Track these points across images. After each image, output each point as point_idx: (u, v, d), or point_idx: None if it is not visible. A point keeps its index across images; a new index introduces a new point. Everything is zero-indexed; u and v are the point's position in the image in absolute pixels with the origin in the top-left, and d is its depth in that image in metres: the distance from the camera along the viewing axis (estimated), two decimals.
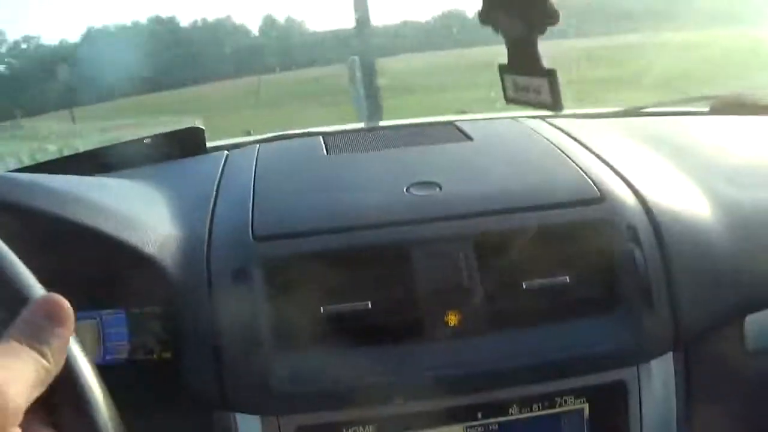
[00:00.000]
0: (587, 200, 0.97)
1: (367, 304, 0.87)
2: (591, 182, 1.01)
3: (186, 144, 1.31)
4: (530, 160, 1.13)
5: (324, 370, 0.87)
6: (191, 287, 0.89)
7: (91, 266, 0.85)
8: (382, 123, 1.57)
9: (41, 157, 1.49)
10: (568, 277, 0.90)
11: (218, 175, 1.14)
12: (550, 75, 0.62)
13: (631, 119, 1.41)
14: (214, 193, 1.06)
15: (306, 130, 1.42)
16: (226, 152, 1.27)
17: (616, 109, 1.46)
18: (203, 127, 1.33)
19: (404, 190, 1.00)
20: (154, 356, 0.89)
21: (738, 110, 1.43)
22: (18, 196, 0.84)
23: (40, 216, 0.84)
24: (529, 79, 0.65)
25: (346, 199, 1.01)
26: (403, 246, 0.90)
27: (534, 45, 0.62)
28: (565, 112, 1.41)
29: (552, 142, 1.18)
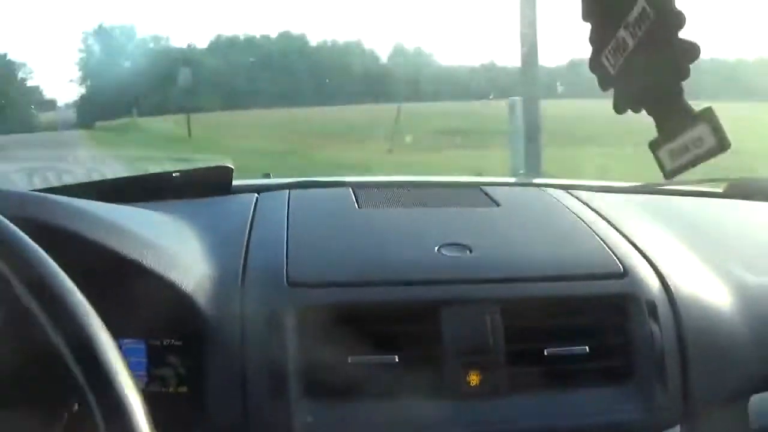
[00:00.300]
0: (610, 274, 1.02)
1: (394, 358, 0.91)
2: (614, 257, 1.06)
3: (214, 182, 1.34)
4: (556, 230, 1.19)
5: (347, 421, 0.90)
6: (224, 326, 0.92)
7: (120, 294, 0.84)
8: (409, 178, 1.61)
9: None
10: (587, 347, 0.95)
11: (250, 216, 1.17)
12: (707, 115, 0.61)
13: (648, 196, 1.46)
14: (247, 234, 1.10)
15: (335, 179, 1.46)
16: (255, 195, 1.30)
17: (634, 184, 1.51)
18: (232, 167, 1.36)
19: (436, 249, 1.04)
20: (170, 389, 0.91)
21: (750, 195, 1.49)
22: (65, 221, 0.86)
23: (83, 242, 0.85)
24: (683, 137, 0.63)
25: (379, 254, 1.06)
26: (433, 305, 0.94)
27: (679, 94, 0.62)
28: (584, 183, 1.48)
29: (576, 214, 1.23)
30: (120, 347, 0.83)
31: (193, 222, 1.13)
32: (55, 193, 1.05)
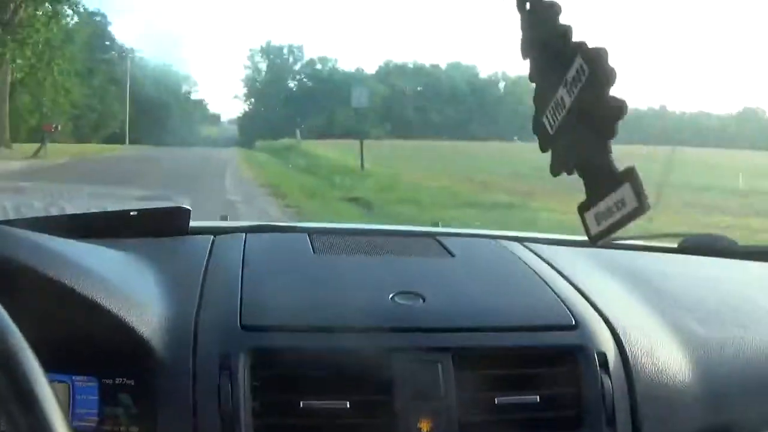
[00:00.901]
0: (562, 326, 1.07)
1: (346, 404, 0.96)
2: (566, 309, 1.11)
3: (172, 222, 1.39)
4: (509, 281, 1.25)
5: None
6: (176, 367, 0.97)
7: (73, 331, 0.90)
8: (364, 226, 1.69)
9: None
10: (538, 397, 0.99)
11: (206, 258, 1.23)
12: (629, 175, 0.63)
13: (602, 250, 1.48)
14: (202, 276, 1.16)
15: (291, 224, 1.55)
16: (212, 236, 1.36)
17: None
18: (190, 208, 1.40)
19: (389, 297, 1.10)
20: (122, 429, 0.95)
21: (706, 251, 1.53)
22: (21, 255, 0.89)
23: (38, 277, 0.89)
24: (607, 200, 0.66)
25: (333, 300, 1.12)
26: (386, 352, 0.99)
27: (606, 153, 0.65)
28: (539, 236, 1.54)
29: (529, 266, 1.28)
30: (71, 384, 0.94)
31: (150, 262, 1.18)
32: (12, 226, 1.10)
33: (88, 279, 0.95)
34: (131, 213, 1.40)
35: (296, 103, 60.21)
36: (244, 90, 64.19)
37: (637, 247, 1.58)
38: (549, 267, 1.29)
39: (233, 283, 1.14)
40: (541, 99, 0.73)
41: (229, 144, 63.94)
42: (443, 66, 64.61)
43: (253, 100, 63.59)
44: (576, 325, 1.07)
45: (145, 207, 1.45)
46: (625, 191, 0.64)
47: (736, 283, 1.41)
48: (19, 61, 28.31)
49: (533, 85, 0.74)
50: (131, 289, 1.04)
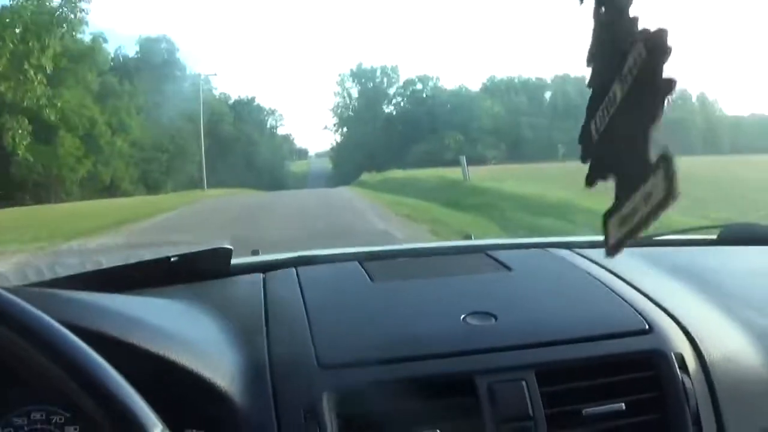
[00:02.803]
0: (637, 331, 1.25)
1: None
2: (637, 314, 1.29)
3: (213, 264, 1.51)
4: (573, 290, 1.43)
5: None
6: (258, 415, 1.08)
7: (143, 388, 0.89)
8: (407, 246, 1.86)
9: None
10: (623, 404, 1.16)
11: (262, 298, 1.36)
12: (664, 162, 0.68)
13: (645, 248, 1.66)
14: (264, 317, 1.28)
15: (336, 252, 1.70)
16: (261, 275, 1.50)
17: None
18: (231, 247, 1.52)
19: (461, 319, 1.25)
20: None
21: (745, 240, 1.73)
22: (85, 319, 0.97)
23: (105, 340, 0.96)
24: (635, 197, 0.72)
25: (405, 328, 1.26)
26: (468, 376, 1.13)
27: (646, 142, 0.70)
28: (581, 239, 1.73)
29: (587, 272, 1.46)
30: None
31: (204, 307, 1.30)
32: (54, 287, 1.22)
33: (153, 334, 1.06)
34: (171, 259, 1.50)
35: (395, 129, 61.13)
36: (334, 120, 66.61)
37: (677, 242, 1.79)
38: (606, 272, 1.47)
39: (300, 321, 1.27)
40: (593, 103, 0.82)
41: (320, 180, 65.12)
42: (549, 79, 64.04)
43: (345, 129, 65.29)
44: (650, 329, 1.25)
45: (183, 252, 1.55)
46: (656, 180, 0.68)
47: None
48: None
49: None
50: (197, 339, 1.16)
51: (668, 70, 0.69)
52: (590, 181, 0.82)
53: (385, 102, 64.08)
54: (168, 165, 42.40)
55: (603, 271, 1.48)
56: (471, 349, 1.19)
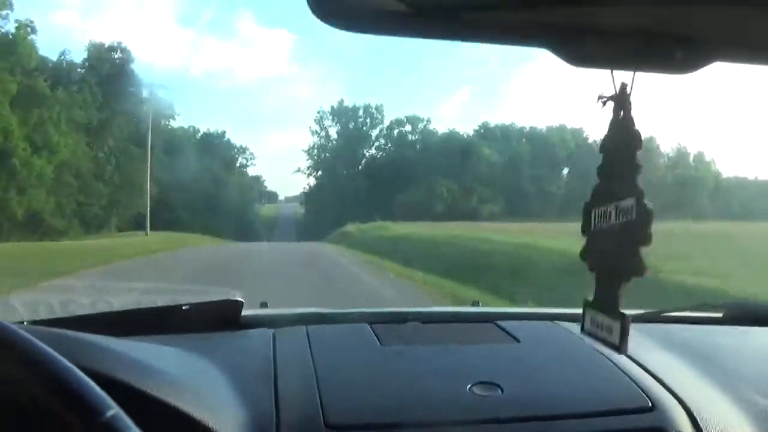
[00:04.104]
0: (639, 409, 1.38)
1: None
2: (640, 391, 1.42)
3: (224, 315, 1.70)
4: (578, 365, 1.57)
5: None
6: None
7: None
8: (418, 309, 2.05)
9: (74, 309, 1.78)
10: None
11: (271, 355, 1.52)
12: (623, 318, 0.97)
13: (653, 325, 1.85)
14: (273, 374, 1.42)
15: (348, 311, 1.89)
16: (271, 330, 1.68)
17: (636, 311, 1.83)
18: (242, 300, 1.72)
19: (467, 389, 1.39)
20: None
21: (751, 320, 1.93)
22: (93, 362, 1.06)
23: (112, 383, 1.01)
24: (605, 318, 1.00)
25: (412, 393, 1.40)
26: None
27: (618, 289, 0.98)
28: None
29: (594, 347, 1.58)
30: None
31: (213, 358, 1.45)
32: (62, 325, 1.32)
33: (160, 381, 1.18)
34: (183, 307, 1.68)
35: (378, 175, 61.86)
36: (308, 162, 66.87)
37: (684, 319, 1.97)
38: None
39: (308, 380, 1.41)
40: (597, 193, 1.05)
41: (289, 226, 64.73)
42: (543, 128, 65.85)
43: (320, 172, 65.81)
44: (653, 407, 1.39)
45: (196, 301, 1.73)
46: (615, 326, 0.99)
47: None
48: None
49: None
50: (205, 390, 1.30)
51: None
52: (582, 258, 1.08)
53: (367, 145, 64.67)
54: (110, 199, 39.86)
55: None
56: (475, 419, 1.33)
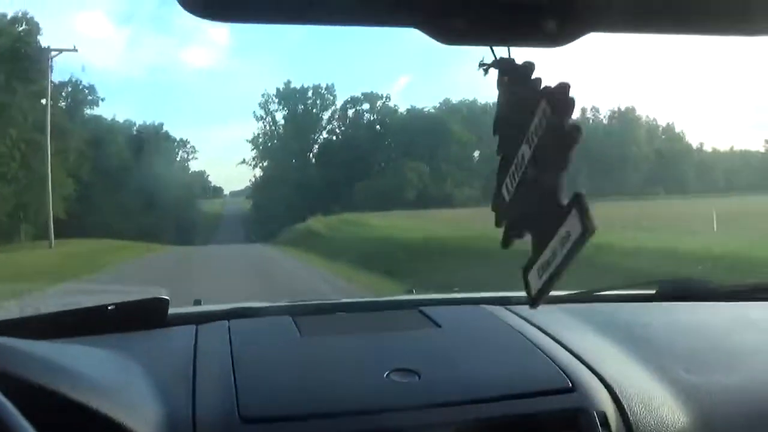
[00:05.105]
0: (560, 389, 1.54)
1: None
2: (561, 372, 1.57)
3: (150, 313, 1.87)
4: (500, 348, 1.74)
5: None
6: None
7: None
8: (344, 300, 2.21)
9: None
10: None
11: (192, 350, 1.67)
12: (577, 200, 0.88)
13: (584, 304, 2.03)
14: (192, 369, 1.57)
15: (270, 304, 2.03)
16: (194, 326, 1.84)
17: (569, 292, 2.07)
18: (168, 298, 1.88)
19: (384, 375, 1.55)
20: None
21: (683, 296, 2.13)
22: (8, 365, 1.18)
23: (29, 386, 1.17)
24: (552, 243, 0.92)
25: (329, 383, 1.56)
26: None
27: (555, 189, 0.91)
28: (519, 294, 2.00)
29: (517, 331, 1.77)
30: None
31: (135, 358, 1.58)
32: None
33: (78, 382, 1.29)
34: (109, 307, 1.86)
35: (335, 161, 60.27)
36: (253, 153, 65.93)
37: (616, 297, 2.16)
38: (536, 329, 1.79)
39: (225, 374, 1.56)
40: (502, 170, 1.04)
41: (235, 223, 63.30)
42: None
43: (266, 163, 64.99)
44: (573, 388, 1.55)
45: (121, 300, 1.90)
46: (570, 220, 0.88)
47: (715, 327, 1.96)
48: None
49: None
50: (123, 389, 1.42)
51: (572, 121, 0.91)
52: (506, 242, 1.04)
53: (319, 129, 63.71)
54: (17, 202, 35.68)
55: (532, 328, 1.80)
56: (393, 406, 1.48)
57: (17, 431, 0.94)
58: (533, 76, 0.98)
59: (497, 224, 1.04)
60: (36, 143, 35.44)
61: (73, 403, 1.24)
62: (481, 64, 1.03)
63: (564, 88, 0.93)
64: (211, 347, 1.73)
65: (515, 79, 1.01)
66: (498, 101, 1.05)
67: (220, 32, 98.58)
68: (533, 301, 0.98)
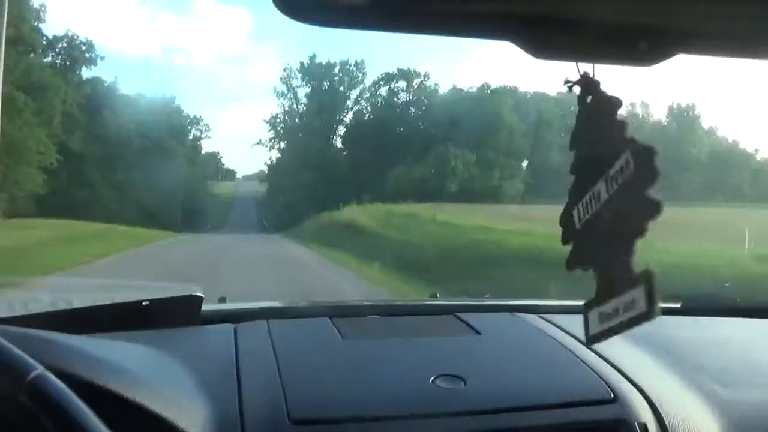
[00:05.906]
0: (602, 400, 1.70)
1: None
2: (602, 382, 1.74)
3: (184, 310, 2.04)
4: (540, 357, 1.91)
5: None
6: None
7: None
8: (380, 302, 2.53)
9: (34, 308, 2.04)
10: None
11: (233, 350, 1.83)
12: (646, 277, 0.99)
13: None
14: (235, 369, 1.71)
15: (309, 305, 2.27)
16: (232, 326, 2.01)
17: None
18: (202, 295, 2.05)
19: (430, 381, 1.70)
20: None
21: (709, 311, 2.38)
22: (64, 363, 1.30)
23: (79, 383, 1.26)
24: (617, 300, 1.05)
25: (375, 387, 1.73)
26: None
27: (629, 253, 1.01)
28: (551, 303, 2.31)
29: (555, 339, 1.95)
30: None
31: (174, 354, 1.74)
32: (22, 323, 1.59)
33: (125, 378, 1.42)
34: (143, 303, 2.02)
35: (364, 145, 59.12)
36: (270, 133, 65.34)
37: None
38: (573, 339, 1.96)
39: (271, 375, 1.71)
40: (576, 191, 1.15)
41: (248, 206, 64.91)
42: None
43: (284, 144, 64.26)
44: (615, 399, 1.71)
45: (156, 296, 2.06)
46: (638, 293, 1.01)
47: (743, 341, 2.16)
48: None
49: None
50: (167, 386, 1.56)
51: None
52: (570, 266, 1.17)
53: (344, 108, 62.74)
54: (3, 172, 33.56)
55: (569, 338, 1.98)
56: (439, 412, 1.63)
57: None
58: (618, 116, 1.08)
59: (563, 242, 1.18)
60: (14, 103, 33.52)
61: (120, 400, 1.37)
62: (566, 82, 1.13)
63: (651, 152, 1.00)
64: (254, 347, 1.88)
65: (598, 105, 1.11)
66: (578, 118, 1.15)
67: (240, 12, 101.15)
68: (589, 341, 1.17)
